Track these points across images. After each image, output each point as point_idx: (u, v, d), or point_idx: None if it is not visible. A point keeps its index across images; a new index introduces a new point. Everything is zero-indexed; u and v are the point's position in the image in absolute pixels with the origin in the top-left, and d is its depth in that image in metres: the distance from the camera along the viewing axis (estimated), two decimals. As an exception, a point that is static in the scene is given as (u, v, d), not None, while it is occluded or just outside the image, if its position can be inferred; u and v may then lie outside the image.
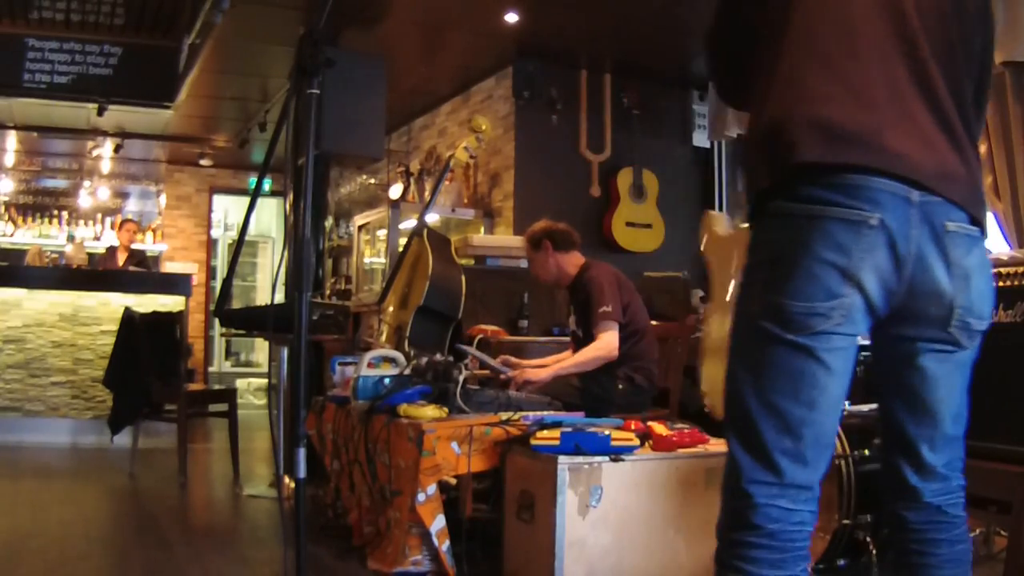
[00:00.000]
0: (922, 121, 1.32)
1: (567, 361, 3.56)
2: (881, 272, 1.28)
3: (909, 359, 1.38)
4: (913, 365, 1.38)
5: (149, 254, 9.39)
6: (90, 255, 7.77)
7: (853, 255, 1.26)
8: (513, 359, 3.78)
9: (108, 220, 9.26)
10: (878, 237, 1.26)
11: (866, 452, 2.63)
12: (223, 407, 4.82)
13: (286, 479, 3.60)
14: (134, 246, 7.70)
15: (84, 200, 9.27)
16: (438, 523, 2.67)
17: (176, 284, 6.21)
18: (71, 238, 8.89)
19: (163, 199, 9.68)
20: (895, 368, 1.41)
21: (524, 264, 5.05)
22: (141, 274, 6.63)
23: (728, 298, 1.96)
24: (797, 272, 1.27)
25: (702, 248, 2.00)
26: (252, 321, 4.60)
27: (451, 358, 3.17)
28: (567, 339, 4.09)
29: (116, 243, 7.57)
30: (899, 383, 1.41)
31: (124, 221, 7.75)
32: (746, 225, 1.80)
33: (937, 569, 1.41)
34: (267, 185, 8.94)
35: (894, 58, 1.34)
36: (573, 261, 3.73)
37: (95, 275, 6.41)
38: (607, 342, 3.47)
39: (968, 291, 1.33)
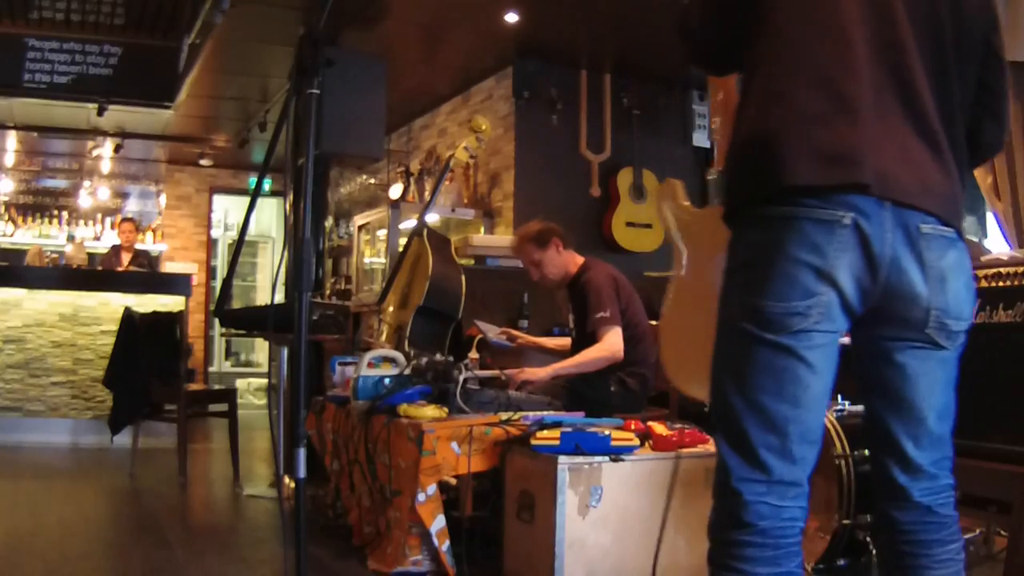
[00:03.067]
0: (904, 136, 1.32)
1: (568, 361, 3.52)
2: (855, 271, 1.29)
3: (887, 355, 1.39)
4: (892, 362, 1.39)
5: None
6: (90, 255, 7.75)
7: (828, 254, 1.27)
8: (514, 331, 3.77)
9: (108, 220, 9.26)
10: (851, 237, 1.27)
11: (866, 452, 2.62)
12: (223, 407, 4.82)
13: (286, 479, 3.60)
14: (138, 246, 7.68)
15: (84, 200, 9.27)
16: (438, 523, 2.67)
17: (176, 284, 6.20)
18: (71, 238, 8.89)
19: (163, 199, 9.68)
20: (874, 365, 1.41)
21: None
22: (141, 274, 6.63)
23: (684, 275, 1.94)
24: (773, 273, 1.28)
25: (664, 219, 1.97)
26: (252, 321, 4.60)
27: (451, 358, 3.17)
28: (568, 339, 4.08)
29: (118, 242, 7.55)
30: (879, 380, 1.41)
31: (122, 220, 7.72)
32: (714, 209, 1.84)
33: (930, 570, 1.41)
34: (267, 185, 8.94)
35: (881, 70, 1.32)
36: (574, 260, 3.70)
37: (95, 275, 6.41)
38: (610, 343, 3.41)
39: (944, 293, 1.34)
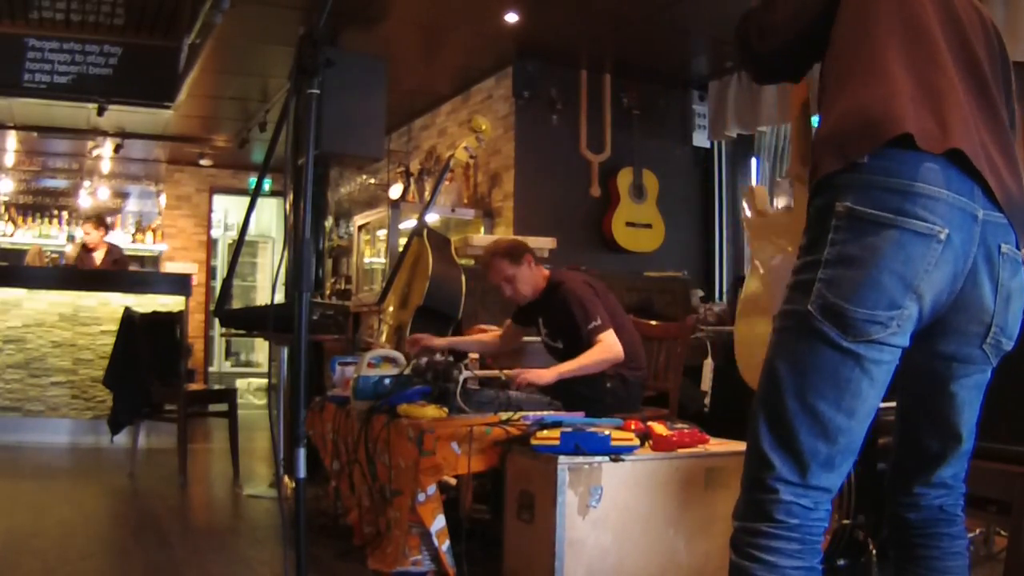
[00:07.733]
0: (987, 140, 1.34)
1: (572, 363, 3.49)
2: (939, 286, 1.29)
3: (942, 386, 1.44)
4: (946, 392, 1.44)
5: (148, 254, 9.38)
6: (59, 254, 7.49)
7: (919, 268, 1.26)
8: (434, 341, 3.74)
9: (108, 220, 9.24)
10: (945, 252, 1.27)
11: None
12: (223, 407, 4.82)
13: (286, 479, 3.61)
14: (137, 245, 7.54)
15: (84, 200, 9.27)
16: (438, 523, 2.67)
17: (176, 284, 6.20)
18: (71, 238, 8.89)
19: (163, 199, 9.68)
20: (927, 392, 1.46)
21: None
22: (141, 274, 6.62)
23: (763, 271, 2.02)
24: (864, 279, 1.26)
25: (745, 223, 2.08)
26: (252, 321, 4.60)
27: (451, 358, 3.17)
28: (489, 334, 4.01)
29: (86, 240, 7.01)
30: (930, 407, 1.46)
31: (84, 221, 7.16)
32: (784, 208, 1.90)
33: (939, 560, 1.48)
34: (267, 185, 8.93)
35: (963, 73, 1.36)
36: (542, 273, 3.64)
37: (95, 275, 6.40)
38: (609, 345, 3.39)
39: (1007, 312, 1.37)
